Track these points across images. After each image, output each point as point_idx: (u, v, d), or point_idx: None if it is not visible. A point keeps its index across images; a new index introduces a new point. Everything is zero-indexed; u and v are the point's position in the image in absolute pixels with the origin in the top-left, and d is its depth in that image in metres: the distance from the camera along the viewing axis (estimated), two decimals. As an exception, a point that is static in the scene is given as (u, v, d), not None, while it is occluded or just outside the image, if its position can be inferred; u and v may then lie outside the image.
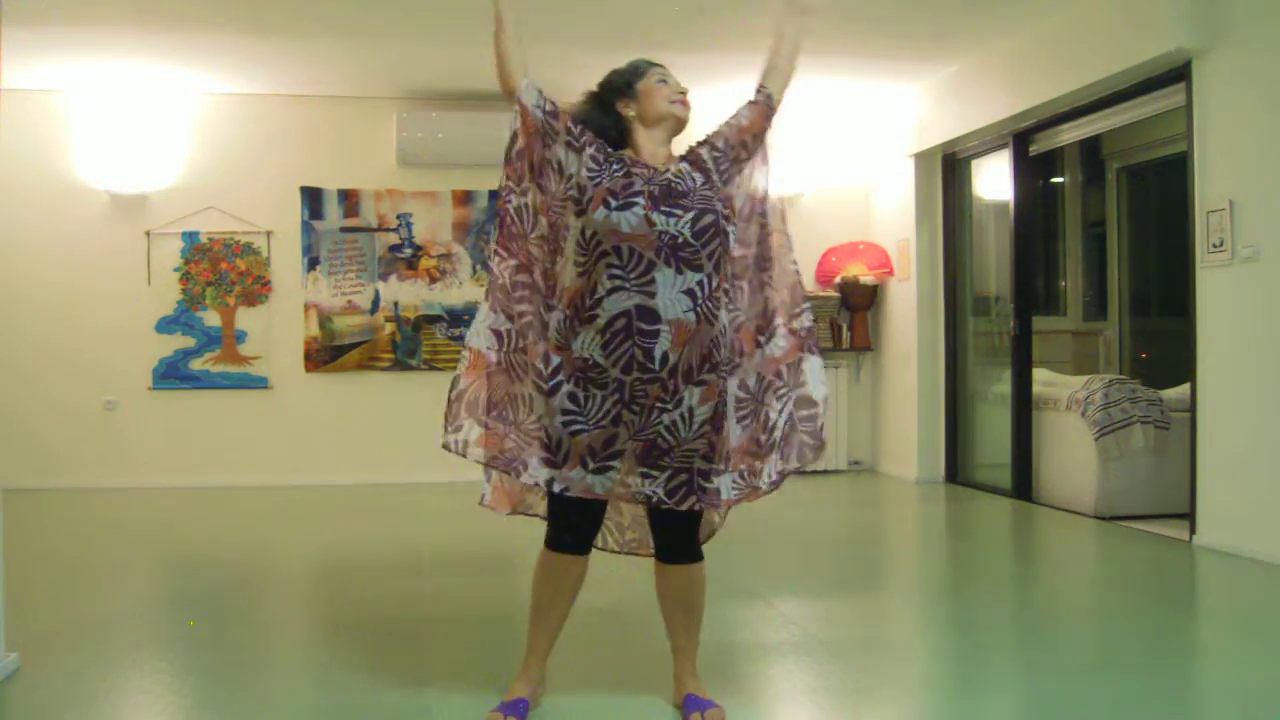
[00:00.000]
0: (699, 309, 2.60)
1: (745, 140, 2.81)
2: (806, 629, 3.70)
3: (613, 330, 2.59)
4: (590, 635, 3.43)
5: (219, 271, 7.28)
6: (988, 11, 5.72)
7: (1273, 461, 4.63)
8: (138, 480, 7.10)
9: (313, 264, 7.35)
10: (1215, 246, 4.91)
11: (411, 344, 7.45)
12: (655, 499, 2.63)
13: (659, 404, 2.60)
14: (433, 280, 7.46)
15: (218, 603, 4.17)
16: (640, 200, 2.61)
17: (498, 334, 2.71)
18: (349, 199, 7.38)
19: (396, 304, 7.43)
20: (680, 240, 2.60)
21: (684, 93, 2.82)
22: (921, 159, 7.39)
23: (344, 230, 7.38)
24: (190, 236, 7.25)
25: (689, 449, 2.62)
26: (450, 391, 2.69)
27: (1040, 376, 6.71)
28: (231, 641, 3.60)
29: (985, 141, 6.88)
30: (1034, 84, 6.01)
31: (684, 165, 2.75)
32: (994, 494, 6.75)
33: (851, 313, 7.82)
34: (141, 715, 2.93)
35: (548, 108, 2.74)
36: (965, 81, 6.73)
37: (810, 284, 7.85)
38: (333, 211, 7.37)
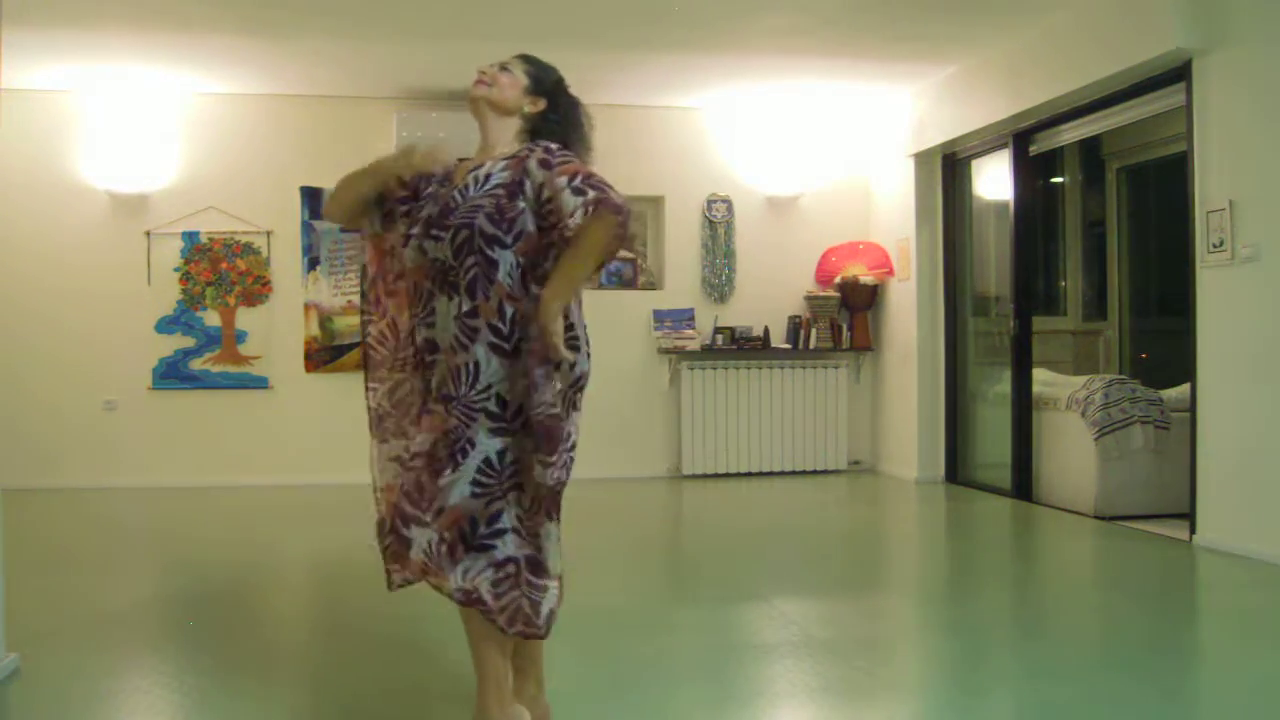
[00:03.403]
0: (453, 334, 2.42)
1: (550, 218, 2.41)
2: (806, 629, 3.69)
3: (412, 365, 2.55)
4: (588, 637, 3.43)
5: (219, 271, 7.28)
6: (987, 12, 5.72)
7: (1272, 461, 4.62)
8: (138, 480, 7.10)
9: (313, 264, 7.35)
10: (1215, 246, 4.91)
11: (411, 344, 7.44)
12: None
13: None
14: (433, 280, 7.45)
15: (217, 603, 4.17)
16: (417, 229, 2.49)
17: (399, 460, 2.52)
18: (349, 199, 7.36)
19: (396, 304, 7.42)
20: (447, 264, 2.43)
21: (484, 71, 2.57)
22: (921, 159, 7.39)
23: (344, 230, 7.34)
24: (190, 236, 7.25)
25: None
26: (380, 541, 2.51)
27: (1040, 376, 6.71)
28: (231, 641, 3.60)
29: (985, 141, 6.88)
30: (1034, 84, 6.01)
31: (497, 164, 2.50)
32: (994, 494, 6.75)
33: (851, 313, 7.82)
34: (141, 715, 2.93)
35: (385, 207, 2.62)
36: (965, 82, 6.72)
37: (810, 284, 7.86)
38: (333, 211, 7.35)
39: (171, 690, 3.09)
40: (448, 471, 2.37)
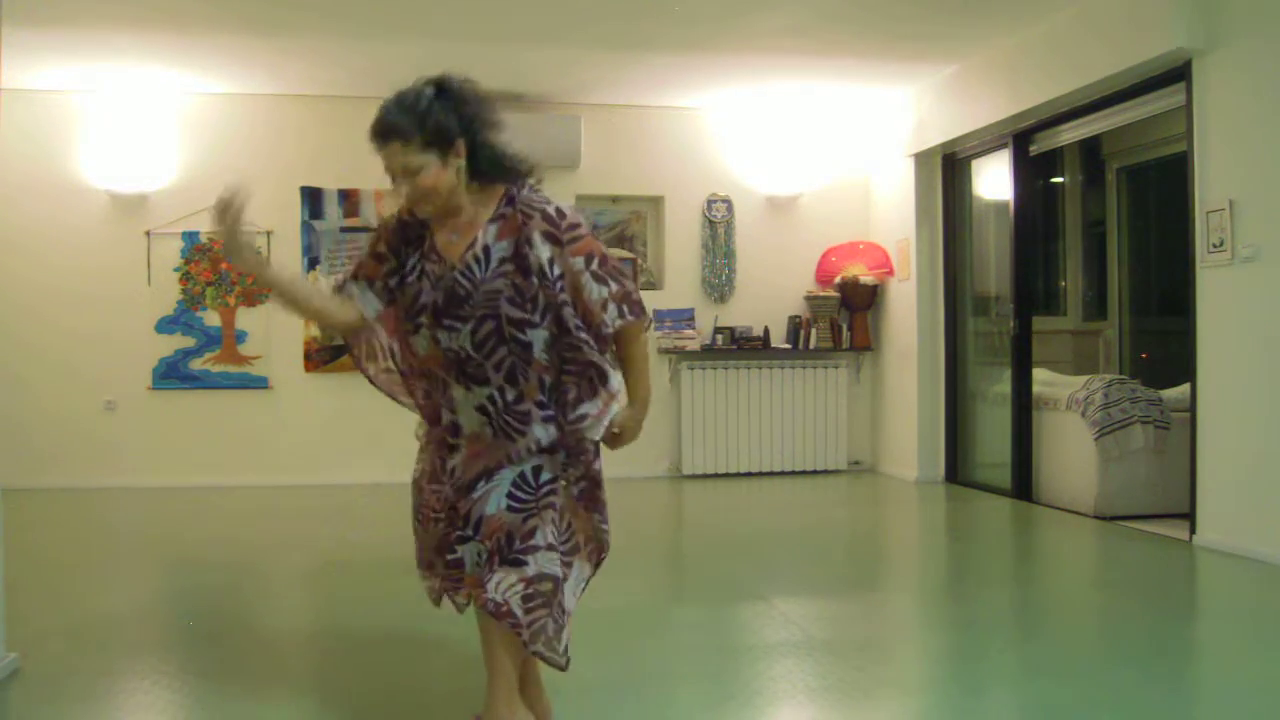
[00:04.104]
0: (495, 423, 2.39)
1: (572, 305, 2.36)
2: (806, 629, 3.69)
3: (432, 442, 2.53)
4: (589, 637, 3.43)
5: (219, 271, 7.28)
6: (987, 12, 5.72)
7: (1272, 461, 4.62)
8: (138, 480, 7.10)
9: (313, 264, 7.35)
10: (1215, 246, 4.91)
11: (411, 344, 7.44)
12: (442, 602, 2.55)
13: (433, 515, 2.46)
14: (433, 280, 7.44)
15: (217, 603, 4.17)
16: (423, 319, 2.38)
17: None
18: (349, 199, 7.38)
19: (396, 304, 7.42)
20: (464, 355, 2.37)
21: (404, 200, 2.34)
22: (921, 159, 7.39)
23: (344, 230, 7.38)
24: (190, 236, 7.25)
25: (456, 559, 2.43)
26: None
27: (1040, 376, 6.71)
28: (230, 641, 3.60)
29: (985, 141, 6.88)
30: (1034, 84, 6.01)
31: (488, 233, 2.34)
32: (994, 494, 6.75)
33: (851, 313, 7.82)
34: (141, 715, 2.93)
35: (377, 287, 2.47)
36: (965, 81, 6.72)
37: (810, 284, 7.86)
38: (333, 211, 7.37)
39: (171, 690, 3.09)
40: (481, 483, 2.38)
